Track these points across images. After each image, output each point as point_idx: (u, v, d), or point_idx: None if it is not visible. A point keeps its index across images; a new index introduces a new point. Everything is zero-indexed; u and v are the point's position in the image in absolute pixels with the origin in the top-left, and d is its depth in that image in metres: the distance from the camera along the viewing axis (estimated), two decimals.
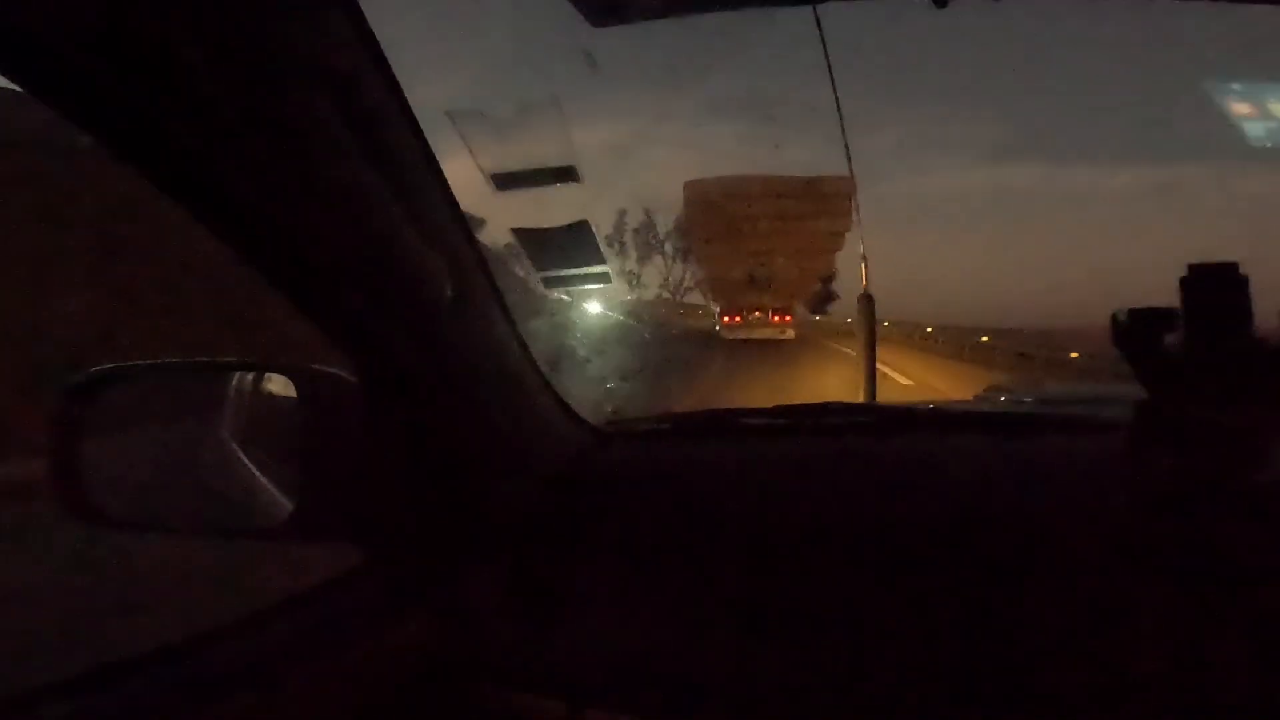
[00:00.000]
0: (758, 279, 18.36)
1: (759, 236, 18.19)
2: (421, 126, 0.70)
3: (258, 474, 1.17)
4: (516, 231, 0.83)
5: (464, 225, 0.76)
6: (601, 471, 1.05)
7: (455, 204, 0.78)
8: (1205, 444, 0.69)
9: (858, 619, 0.79)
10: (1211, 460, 0.68)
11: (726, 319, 18.69)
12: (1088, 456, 0.93)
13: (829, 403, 1.18)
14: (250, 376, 1.24)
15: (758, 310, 18.59)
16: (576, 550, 0.93)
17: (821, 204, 18.15)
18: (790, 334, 18.58)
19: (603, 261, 0.85)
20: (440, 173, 0.73)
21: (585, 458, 1.06)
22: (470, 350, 0.85)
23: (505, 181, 0.78)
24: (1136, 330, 0.72)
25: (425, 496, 0.87)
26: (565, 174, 0.78)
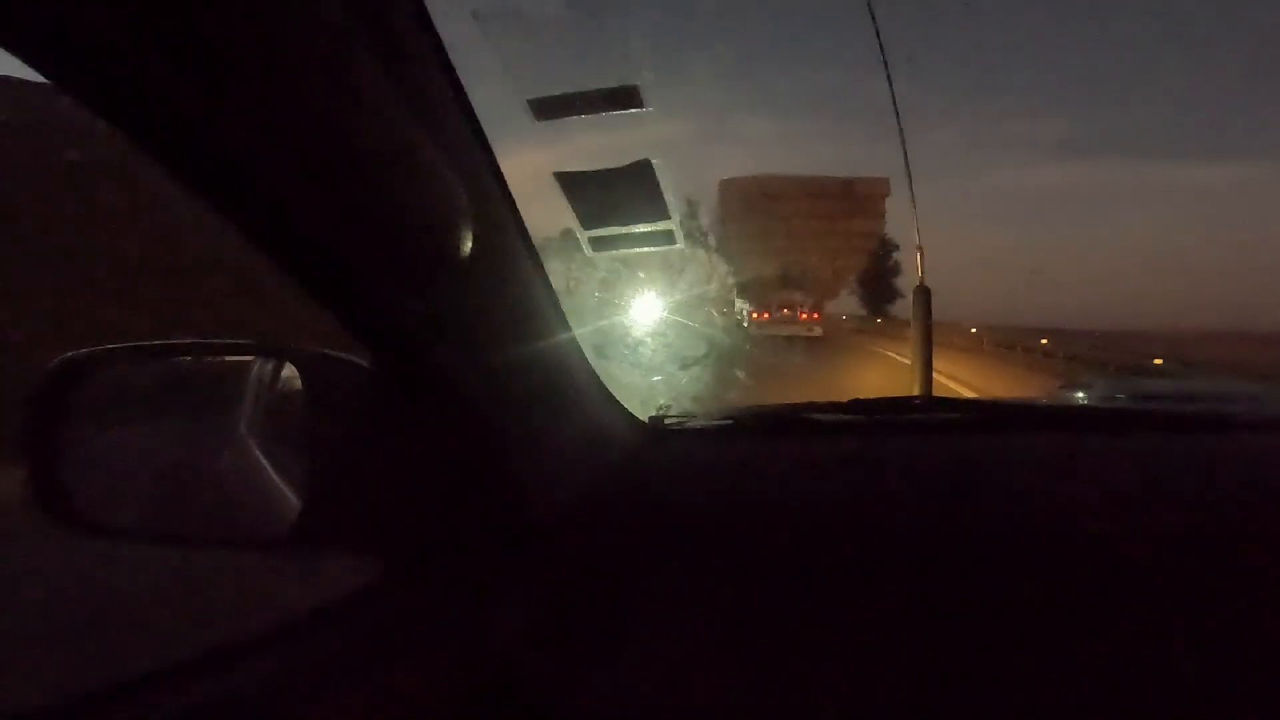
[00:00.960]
0: (790, 277, 18.70)
1: (792, 235, 18.56)
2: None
3: (274, 476, 1.06)
4: (559, 176, 0.66)
5: (500, 182, 0.62)
6: (656, 475, 0.94)
7: (489, 154, 0.64)
8: None
9: (967, 644, 0.70)
10: None
11: (756, 315, 19.09)
12: (1211, 457, 0.88)
13: (908, 397, 1.07)
14: (270, 364, 1.14)
15: (786, 308, 18.96)
16: (628, 569, 0.81)
17: (856, 204, 18.80)
18: (818, 331, 19.03)
19: (668, 215, 0.69)
20: (468, 105, 0.59)
21: (637, 459, 0.95)
22: (502, 333, 0.72)
23: (549, 107, 0.61)
24: None
25: (450, 503, 0.75)
26: (627, 97, 0.61)
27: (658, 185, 0.66)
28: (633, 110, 0.60)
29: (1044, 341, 17.69)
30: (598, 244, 0.73)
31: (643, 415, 1.04)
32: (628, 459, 0.93)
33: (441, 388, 0.68)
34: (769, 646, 0.73)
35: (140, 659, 0.62)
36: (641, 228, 0.70)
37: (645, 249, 0.75)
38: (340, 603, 0.72)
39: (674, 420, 1.07)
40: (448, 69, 0.60)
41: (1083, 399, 1.72)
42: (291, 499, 0.86)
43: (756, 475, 0.94)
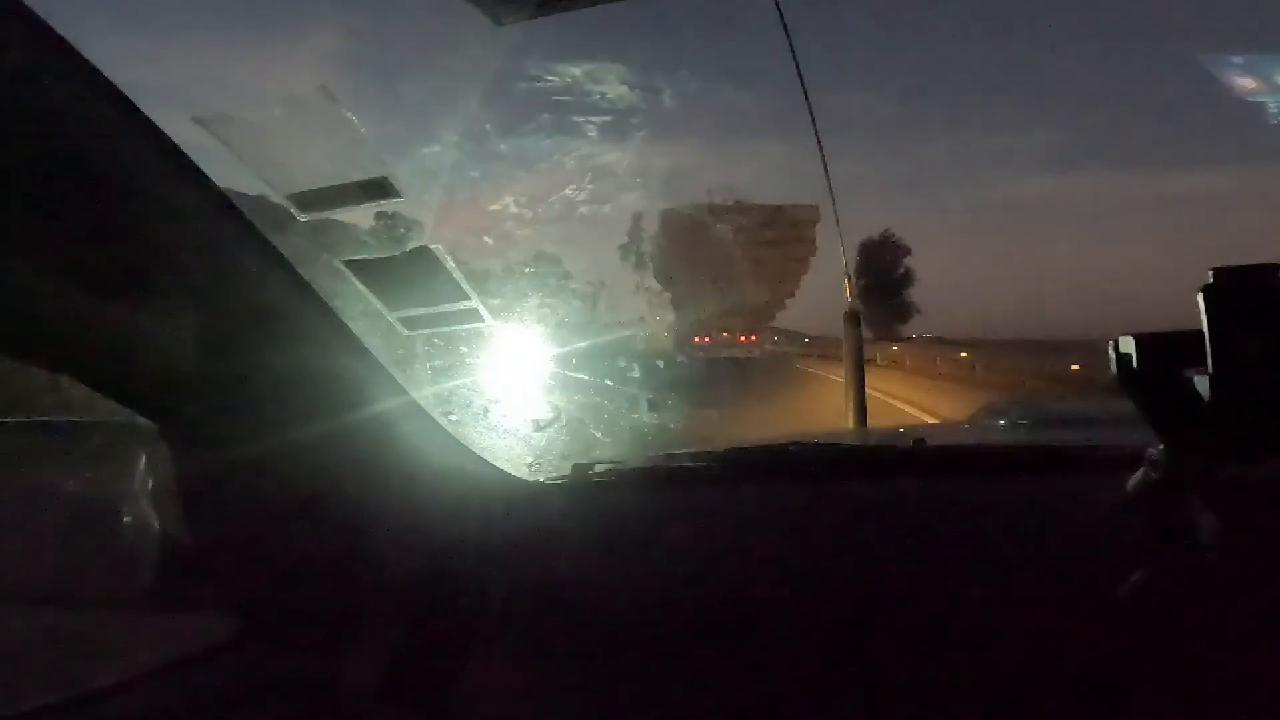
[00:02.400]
0: (727, 301, 18.95)
1: (730, 261, 18.89)
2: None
3: (156, 534, 1.06)
4: (349, 264, 0.67)
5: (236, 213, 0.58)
6: (516, 533, 0.93)
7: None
8: (1229, 503, 0.55)
9: (822, 699, 0.71)
10: (1237, 521, 0.54)
11: (696, 339, 19.29)
12: (1084, 503, 0.85)
13: (789, 442, 1.10)
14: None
15: (725, 331, 19.22)
16: (479, 631, 0.81)
17: (788, 230, 19.14)
18: (756, 352, 19.29)
19: (465, 295, 0.72)
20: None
21: (504, 515, 0.93)
22: (314, 397, 0.71)
23: (309, 202, 0.62)
24: (1145, 363, 0.56)
25: (299, 563, 0.76)
26: (381, 188, 0.62)
27: (445, 269, 0.68)
28: (390, 200, 0.62)
29: (963, 355, 16.49)
30: (409, 324, 0.74)
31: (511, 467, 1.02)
32: (491, 513, 0.92)
33: (237, 448, 0.68)
34: (611, 703, 0.74)
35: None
36: (445, 307, 0.72)
37: (456, 327, 0.77)
38: (194, 658, 0.73)
39: (542, 474, 1.07)
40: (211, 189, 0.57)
41: (1002, 425, 1.72)
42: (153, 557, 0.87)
43: (623, 528, 0.94)
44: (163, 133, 0.52)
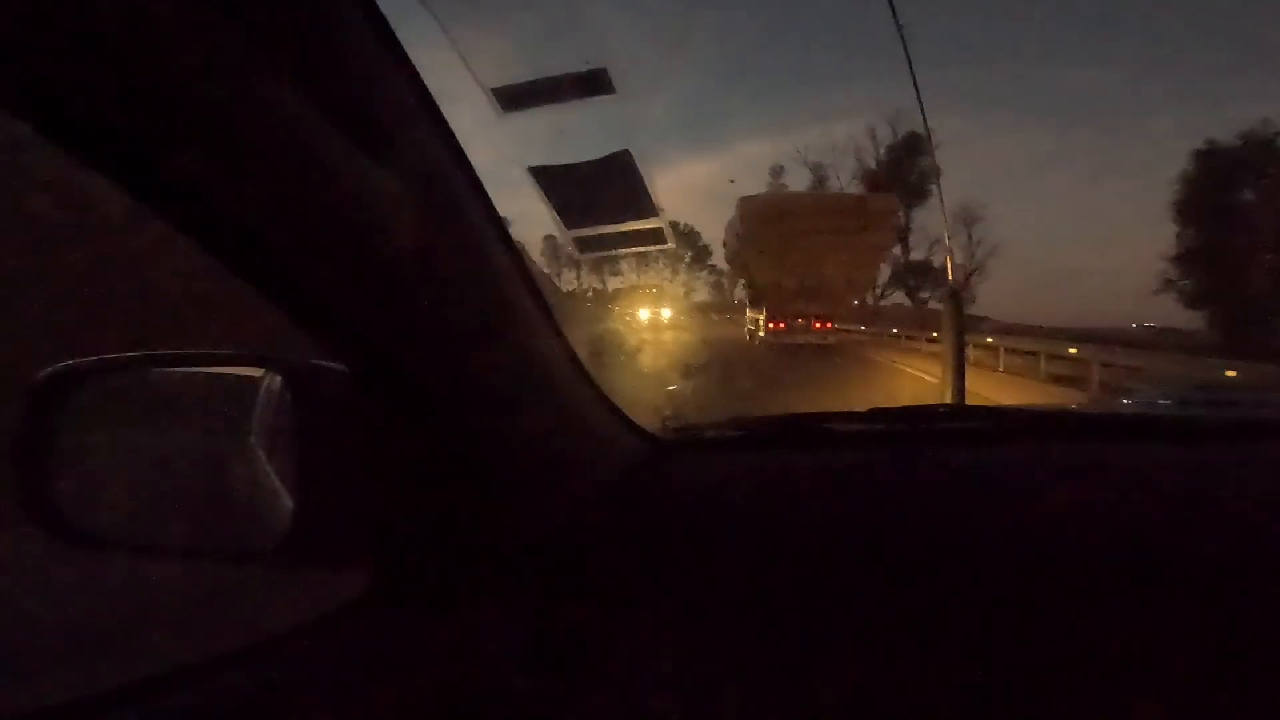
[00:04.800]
0: (806, 288, 18.91)
1: (807, 249, 18.87)
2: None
3: (280, 487, 1.04)
4: (534, 171, 0.62)
5: (466, 168, 0.57)
6: (662, 488, 0.89)
7: (449, 138, 0.58)
8: None
9: (991, 673, 0.65)
10: None
11: (772, 325, 19.34)
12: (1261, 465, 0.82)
13: (935, 405, 1.01)
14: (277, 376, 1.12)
15: (800, 318, 19.16)
16: (625, 589, 0.77)
17: (867, 220, 19.27)
18: (832, 340, 19.30)
19: (654, 212, 0.65)
20: (434, 107, 0.54)
21: (640, 472, 0.90)
22: (480, 337, 0.68)
23: (515, 97, 0.56)
24: None
25: (438, 517, 0.71)
26: (595, 81, 0.56)
27: (640, 178, 0.62)
28: (604, 95, 0.56)
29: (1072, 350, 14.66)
30: (584, 245, 0.69)
31: (650, 425, 0.98)
32: (631, 472, 0.89)
33: (420, 396, 0.64)
34: (780, 673, 0.69)
35: (124, 671, 0.60)
36: (628, 225, 0.66)
37: (634, 249, 0.71)
38: (325, 618, 0.69)
39: (683, 431, 1.03)
40: (403, 62, 0.54)
41: (1127, 405, 1.61)
42: (290, 510, 0.84)
43: (770, 489, 0.89)
44: None
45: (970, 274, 34.55)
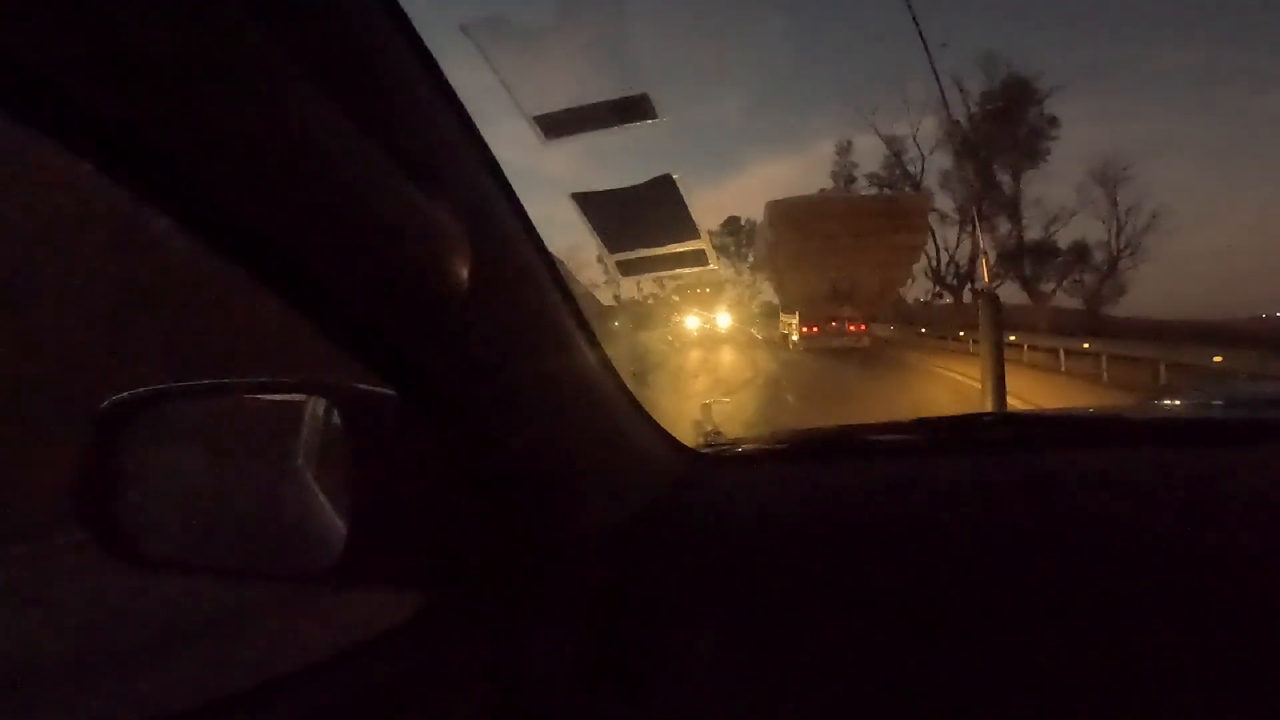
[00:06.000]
0: (839, 291, 18.76)
1: (838, 252, 18.71)
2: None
3: (330, 509, 1.07)
4: (577, 198, 0.63)
5: (507, 191, 0.59)
6: (703, 503, 0.89)
7: (492, 163, 0.60)
8: None
9: (1053, 687, 0.62)
10: None
11: (805, 329, 19.31)
12: None
13: (976, 414, 0.99)
14: (324, 401, 1.15)
15: (834, 321, 19.10)
16: (674, 602, 0.76)
17: (899, 220, 19.07)
18: (866, 342, 19.10)
19: (697, 233, 0.65)
20: (474, 130, 0.56)
21: (683, 487, 0.90)
22: (523, 358, 0.69)
23: (556, 124, 0.57)
24: None
25: (486, 536, 0.72)
26: (635, 108, 0.56)
27: (682, 201, 0.63)
28: (646, 121, 0.56)
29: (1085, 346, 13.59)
30: (626, 268, 0.69)
31: (690, 441, 0.99)
32: (674, 487, 0.89)
33: (467, 418, 0.66)
34: (829, 688, 0.67)
35: (181, 693, 0.62)
36: (671, 248, 0.66)
37: (677, 270, 0.71)
38: (378, 638, 0.70)
39: (724, 446, 1.03)
40: (441, 86, 0.56)
41: (1180, 406, 1.54)
42: (342, 532, 0.86)
43: (814, 502, 0.88)
44: None
45: (1118, 256, 27.37)
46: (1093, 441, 0.95)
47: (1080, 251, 27.74)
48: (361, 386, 0.71)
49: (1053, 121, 26.36)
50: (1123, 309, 27.09)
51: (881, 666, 0.68)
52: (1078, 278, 27.96)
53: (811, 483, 0.92)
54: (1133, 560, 0.70)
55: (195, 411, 1.01)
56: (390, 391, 0.68)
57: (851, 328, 18.99)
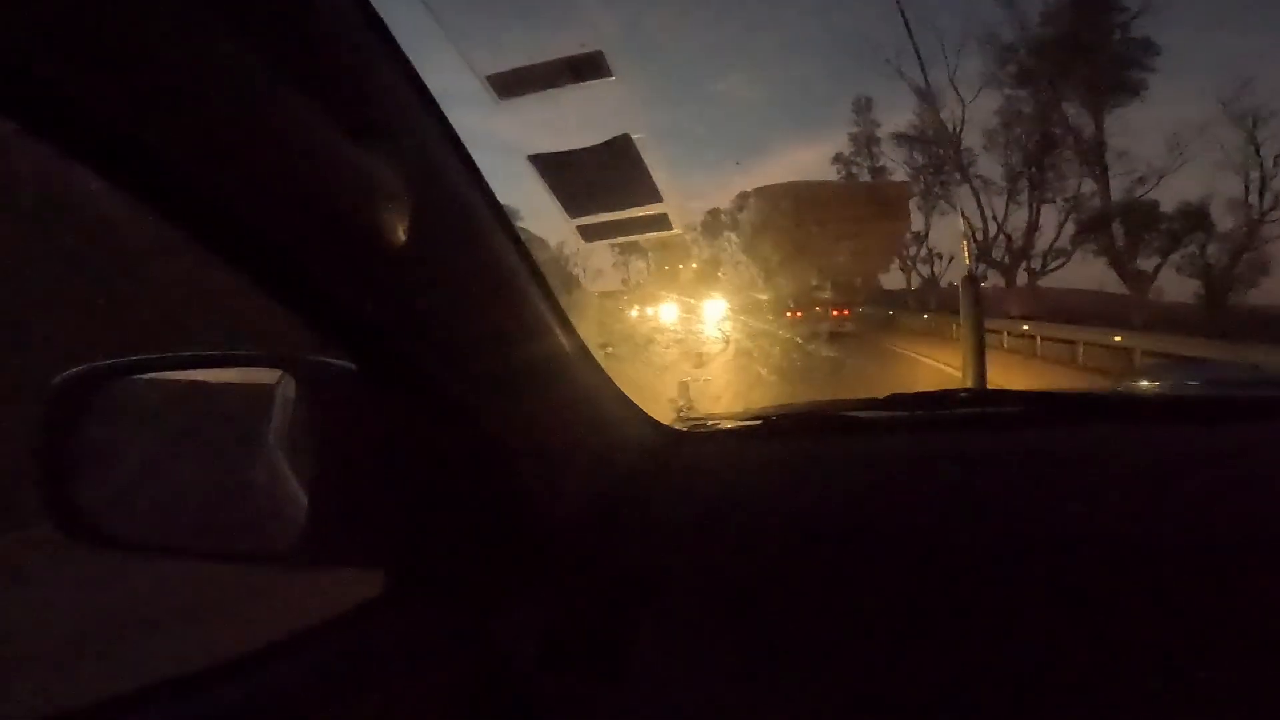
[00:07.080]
0: (819, 277, 18.99)
1: (822, 238, 18.90)
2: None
3: (297, 488, 1.05)
4: (535, 160, 0.61)
5: (461, 153, 0.57)
6: (679, 480, 0.88)
7: (441, 120, 0.57)
8: None
9: (1021, 672, 0.62)
10: None
11: (790, 314, 19.40)
12: None
13: (953, 390, 0.99)
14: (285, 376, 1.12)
15: (819, 306, 19.31)
16: (646, 580, 0.76)
17: (881, 207, 19.31)
18: (849, 327, 19.19)
19: (658, 197, 0.64)
20: (425, 90, 0.54)
21: (654, 463, 0.88)
22: (487, 331, 0.67)
23: (510, 83, 0.55)
24: None
25: (453, 513, 0.71)
26: (589, 66, 0.55)
27: (642, 163, 0.61)
28: (600, 80, 0.55)
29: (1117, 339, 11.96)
30: (587, 233, 0.68)
31: (664, 417, 0.97)
32: (646, 463, 0.88)
33: (429, 390, 0.64)
34: (804, 664, 0.67)
35: (145, 672, 0.61)
36: (632, 212, 0.65)
37: (639, 235, 0.70)
38: (344, 617, 0.70)
39: (697, 422, 1.02)
40: (395, 53, 0.53)
41: (1164, 386, 1.55)
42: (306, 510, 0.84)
43: (789, 478, 0.88)
44: None
45: (1262, 219, 18.25)
46: (1066, 418, 0.96)
47: (1196, 217, 18.99)
48: (320, 359, 0.69)
49: (1147, 47, 19.49)
50: (1260, 296, 18.44)
51: (856, 641, 0.68)
52: (1197, 251, 19.24)
53: (787, 458, 0.92)
54: (1105, 533, 0.70)
55: (157, 388, 0.98)
56: (349, 365, 0.66)
57: (835, 313, 19.20)
